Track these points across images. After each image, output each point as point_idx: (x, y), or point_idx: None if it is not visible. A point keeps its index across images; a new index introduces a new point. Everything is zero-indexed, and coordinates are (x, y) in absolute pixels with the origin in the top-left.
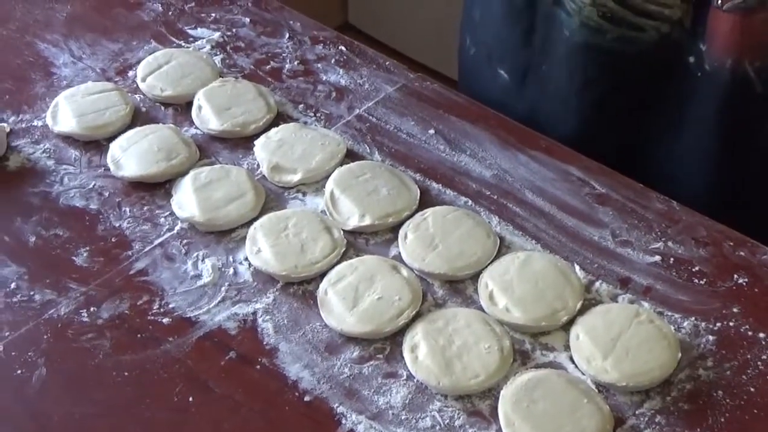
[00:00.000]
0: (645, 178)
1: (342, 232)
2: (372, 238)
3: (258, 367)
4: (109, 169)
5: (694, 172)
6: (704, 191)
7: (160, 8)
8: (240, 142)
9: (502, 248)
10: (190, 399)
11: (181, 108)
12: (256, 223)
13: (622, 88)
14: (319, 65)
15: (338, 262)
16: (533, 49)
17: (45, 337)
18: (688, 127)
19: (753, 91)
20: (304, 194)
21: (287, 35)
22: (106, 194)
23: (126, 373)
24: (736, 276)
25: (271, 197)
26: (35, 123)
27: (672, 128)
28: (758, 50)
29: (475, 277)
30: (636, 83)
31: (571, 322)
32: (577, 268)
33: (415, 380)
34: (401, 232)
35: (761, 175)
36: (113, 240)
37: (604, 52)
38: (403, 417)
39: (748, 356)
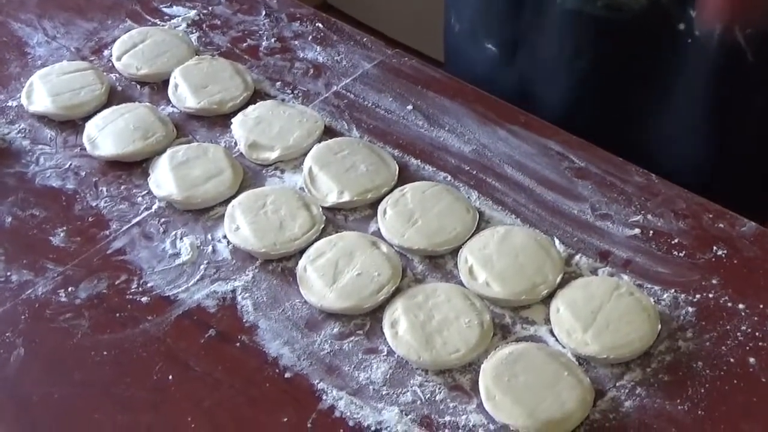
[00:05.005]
0: (633, 148)
1: (321, 209)
2: (351, 215)
3: (238, 344)
4: (85, 149)
5: (682, 143)
6: (691, 162)
7: None
8: (217, 120)
9: (482, 223)
10: (170, 377)
11: (158, 86)
12: (235, 201)
13: (612, 56)
14: (296, 42)
15: (317, 239)
16: (523, 21)
17: (23, 317)
18: (677, 97)
19: (744, 59)
20: (282, 171)
21: (264, 13)
22: (83, 174)
23: (105, 353)
24: (715, 248)
25: (249, 175)
26: (10, 103)
27: (661, 98)
28: (750, 14)
29: (455, 252)
30: (625, 51)
31: (551, 296)
32: (557, 242)
33: (395, 356)
34: (380, 208)
35: (749, 148)
36: (90, 220)
37: (594, 19)
38: (384, 392)
39: (728, 327)
